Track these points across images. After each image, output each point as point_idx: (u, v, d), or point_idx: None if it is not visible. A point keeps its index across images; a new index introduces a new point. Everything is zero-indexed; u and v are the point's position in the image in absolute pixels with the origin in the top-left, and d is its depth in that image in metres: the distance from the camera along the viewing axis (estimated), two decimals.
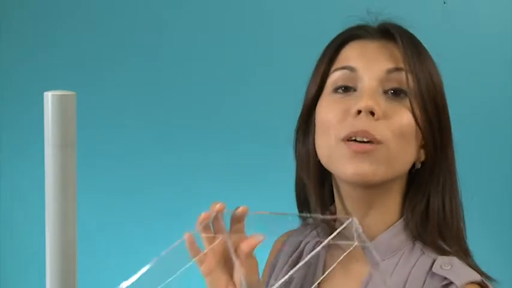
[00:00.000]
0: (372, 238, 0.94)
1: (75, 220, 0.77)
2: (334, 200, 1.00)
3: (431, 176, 0.94)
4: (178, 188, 2.18)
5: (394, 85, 0.91)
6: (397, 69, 0.91)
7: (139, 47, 2.20)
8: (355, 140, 0.89)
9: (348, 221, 0.77)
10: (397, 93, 0.91)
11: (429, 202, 0.94)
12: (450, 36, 1.74)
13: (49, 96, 0.75)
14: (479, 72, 1.80)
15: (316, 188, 0.99)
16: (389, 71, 0.91)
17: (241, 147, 2.12)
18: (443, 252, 0.92)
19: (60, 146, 0.75)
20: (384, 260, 0.94)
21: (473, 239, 1.00)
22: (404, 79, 0.91)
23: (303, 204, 1.03)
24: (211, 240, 0.87)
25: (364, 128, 0.89)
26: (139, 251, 2.24)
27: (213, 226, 0.87)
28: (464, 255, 0.95)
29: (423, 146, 0.94)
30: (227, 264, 0.87)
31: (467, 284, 0.88)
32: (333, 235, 0.77)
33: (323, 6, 1.98)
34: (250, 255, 0.85)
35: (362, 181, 0.91)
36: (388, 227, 0.95)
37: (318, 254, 1.00)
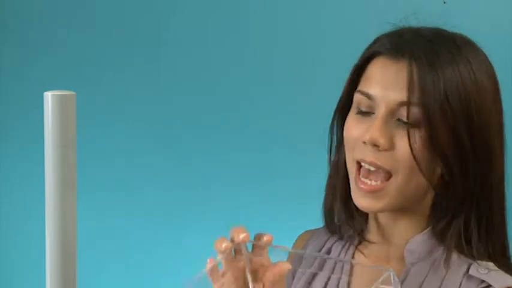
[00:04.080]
0: (401, 242, 0.96)
1: (75, 220, 0.77)
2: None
3: (455, 193, 0.93)
4: (179, 189, 2.18)
5: (404, 116, 0.91)
6: (408, 103, 0.90)
7: (140, 47, 2.20)
8: (364, 174, 0.91)
9: (386, 273, 0.77)
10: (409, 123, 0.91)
11: (453, 218, 0.94)
12: None
13: (49, 96, 0.75)
14: None
15: (343, 196, 1.00)
16: (400, 104, 0.90)
17: (243, 148, 2.12)
18: (477, 258, 0.93)
19: (60, 146, 0.75)
20: (419, 262, 0.95)
21: None
22: (412, 112, 0.90)
23: (328, 213, 1.04)
24: (230, 260, 0.83)
25: (371, 159, 0.90)
26: (139, 251, 2.24)
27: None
28: (502, 262, 0.95)
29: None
30: (246, 285, 0.84)
31: None
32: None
33: (326, 9, 1.98)
34: (277, 282, 0.82)
35: (374, 213, 0.95)
36: (420, 231, 0.96)
37: (342, 262, 1.02)
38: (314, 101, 1.95)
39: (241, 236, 0.81)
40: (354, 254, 1.03)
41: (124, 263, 2.24)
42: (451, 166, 0.91)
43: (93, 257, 2.16)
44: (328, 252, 1.05)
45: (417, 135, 0.89)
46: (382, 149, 0.90)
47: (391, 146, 0.90)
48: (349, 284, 1.01)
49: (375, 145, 0.90)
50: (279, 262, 0.82)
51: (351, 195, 0.98)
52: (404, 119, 0.90)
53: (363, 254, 1.02)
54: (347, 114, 0.97)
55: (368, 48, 0.97)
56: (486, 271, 0.91)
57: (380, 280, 0.75)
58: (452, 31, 0.99)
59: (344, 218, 1.01)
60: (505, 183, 0.98)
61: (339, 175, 1.00)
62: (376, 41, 0.98)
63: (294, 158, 2.04)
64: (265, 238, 0.82)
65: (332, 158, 1.02)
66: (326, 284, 1.03)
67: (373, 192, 0.91)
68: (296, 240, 1.12)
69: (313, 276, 1.05)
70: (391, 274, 0.76)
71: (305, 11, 2.02)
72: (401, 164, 0.90)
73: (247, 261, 0.82)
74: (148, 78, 2.20)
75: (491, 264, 0.92)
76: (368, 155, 0.90)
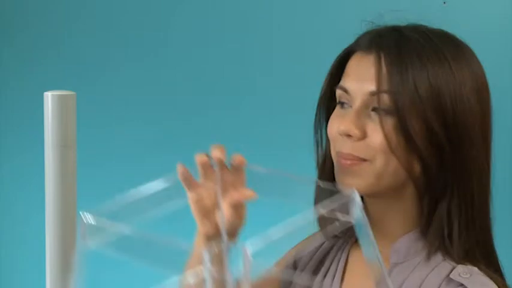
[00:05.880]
0: (392, 241, 0.96)
1: (75, 220, 0.77)
2: None
3: (436, 186, 0.93)
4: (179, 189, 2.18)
5: (376, 104, 0.92)
6: (378, 91, 0.92)
7: (140, 47, 2.20)
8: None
9: (350, 193, 0.74)
10: (381, 111, 0.92)
11: (435, 211, 0.93)
12: None
13: (49, 96, 0.75)
14: None
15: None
16: (371, 93, 0.92)
17: (244, 149, 2.11)
18: (463, 262, 0.92)
19: (60, 146, 0.75)
20: (403, 262, 0.95)
21: None
22: (382, 99, 0.91)
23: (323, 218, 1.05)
24: (207, 173, 0.91)
25: (347, 151, 0.92)
26: None
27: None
28: (486, 265, 0.93)
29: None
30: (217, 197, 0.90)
31: None
32: (333, 205, 0.75)
33: (325, 10, 1.98)
34: (238, 206, 0.88)
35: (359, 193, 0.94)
36: (410, 231, 0.96)
37: (339, 257, 1.03)
38: (314, 102, 1.95)
39: (218, 154, 0.89)
40: (348, 253, 1.03)
41: (124, 262, 2.24)
42: (425, 157, 0.91)
43: (93, 256, 2.16)
44: (326, 253, 1.06)
45: (389, 123, 0.91)
46: (356, 139, 0.91)
47: (364, 135, 0.92)
48: (342, 279, 1.02)
49: (349, 135, 0.92)
50: (246, 189, 0.87)
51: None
52: (377, 109, 0.92)
53: (356, 253, 1.02)
54: (330, 112, 0.99)
55: (349, 45, 1.00)
56: (468, 275, 0.89)
57: (339, 203, 0.74)
58: (440, 31, 0.99)
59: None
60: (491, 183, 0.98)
61: (326, 175, 1.01)
62: (356, 39, 0.99)
63: (295, 160, 2.04)
64: (237, 159, 0.89)
65: (319, 161, 1.03)
66: (322, 280, 1.04)
67: (349, 167, 0.92)
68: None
69: (313, 272, 1.06)
70: (354, 195, 0.74)
71: (305, 11, 2.02)
72: (377, 151, 0.91)
73: (218, 179, 0.88)
74: (148, 78, 2.20)
75: (475, 269, 0.90)
76: (345, 147, 0.93)
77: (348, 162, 0.92)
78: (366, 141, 0.91)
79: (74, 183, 0.77)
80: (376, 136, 0.91)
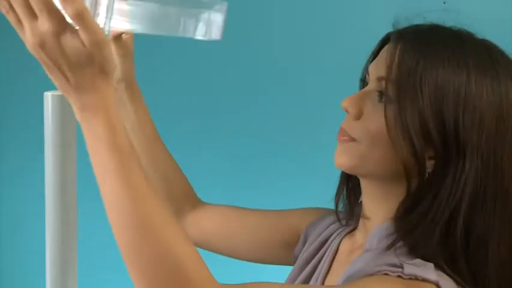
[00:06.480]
0: (371, 229, 0.96)
1: (75, 220, 0.77)
2: None
3: (416, 186, 0.91)
4: None
5: (378, 89, 0.93)
6: (381, 77, 0.93)
7: (139, 46, 2.20)
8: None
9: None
10: (380, 96, 0.93)
11: (413, 209, 0.91)
12: None
13: (49, 96, 0.75)
14: None
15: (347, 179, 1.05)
16: (379, 79, 0.93)
17: (240, 147, 2.12)
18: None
19: (60, 146, 0.75)
20: (373, 250, 0.94)
21: None
22: (383, 86, 0.92)
23: (342, 193, 1.07)
24: None
25: (342, 126, 0.95)
26: None
27: None
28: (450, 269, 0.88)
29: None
30: None
31: (418, 279, 0.84)
32: None
33: (325, 11, 1.99)
34: None
35: (339, 168, 0.97)
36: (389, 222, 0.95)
37: (332, 246, 1.05)
38: (315, 102, 1.95)
39: None
40: (341, 240, 1.04)
41: (122, 262, 2.23)
42: (418, 154, 0.89)
43: (93, 257, 2.16)
44: (328, 237, 1.07)
45: (385, 110, 0.90)
46: (352, 118, 0.94)
47: (359, 116, 0.94)
48: (329, 267, 1.03)
49: (348, 112, 0.95)
50: None
51: (356, 187, 1.02)
52: (379, 94, 0.93)
53: (346, 244, 1.03)
54: None
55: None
56: (422, 266, 0.85)
57: None
58: (483, 41, 1.00)
59: (348, 207, 1.05)
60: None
61: None
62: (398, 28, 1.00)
63: (293, 163, 2.04)
64: None
65: None
66: (318, 263, 1.06)
67: (342, 143, 0.95)
68: (313, 209, 1.14)
69: (312, 257, 1.07)
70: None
71: (306, 11, 2.02)
72: (366, 134, 0.92)
73: None
74: (146, 78, 2.20)
75: (430, 264, 0.86)
76: (344, 123, 0.95)
77: (343, 138, 0.94)
78: (360, 121, 0.93)
79: (74, 183, 0.77)
80: (368, 119, 0.92)
